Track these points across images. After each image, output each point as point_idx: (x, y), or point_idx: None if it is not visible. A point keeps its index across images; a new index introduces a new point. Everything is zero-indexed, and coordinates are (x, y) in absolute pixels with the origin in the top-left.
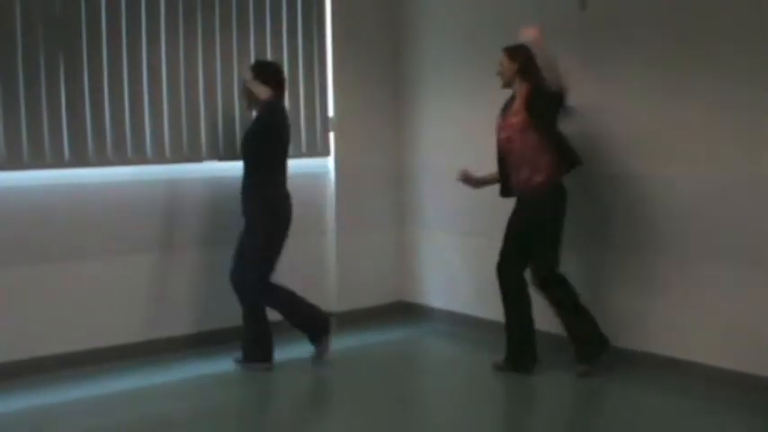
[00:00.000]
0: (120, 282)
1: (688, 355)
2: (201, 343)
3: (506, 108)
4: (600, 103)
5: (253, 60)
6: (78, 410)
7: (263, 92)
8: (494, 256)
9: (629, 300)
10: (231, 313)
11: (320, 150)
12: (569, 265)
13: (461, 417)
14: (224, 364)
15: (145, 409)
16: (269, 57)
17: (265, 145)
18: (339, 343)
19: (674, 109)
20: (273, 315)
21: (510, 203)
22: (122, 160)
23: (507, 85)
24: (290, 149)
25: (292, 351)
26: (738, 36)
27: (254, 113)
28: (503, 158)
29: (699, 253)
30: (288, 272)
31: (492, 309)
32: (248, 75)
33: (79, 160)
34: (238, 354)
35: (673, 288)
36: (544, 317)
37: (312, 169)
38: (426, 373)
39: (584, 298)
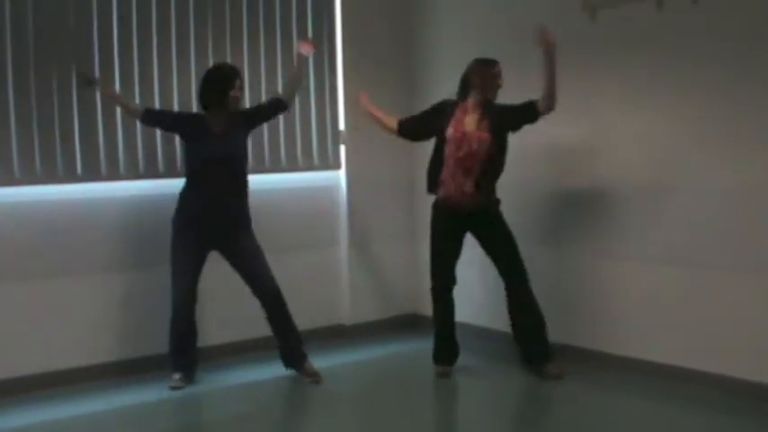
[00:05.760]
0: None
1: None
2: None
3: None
4: (593, 113)
5: (264, 71)
6: None
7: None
8: None
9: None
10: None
11: (331, 163)
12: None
13: (471, 429)
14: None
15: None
16: (279, 71)
17: None
18: (351, 355)
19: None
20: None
21: (522, 214)
22: (136, 175)
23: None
24: (302, 162)
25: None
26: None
27: (231, 115)
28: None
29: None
30: (300, 285)
31: (504, 320)
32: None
33: (91, 175)
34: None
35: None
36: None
37: (323, 182)
38: (438, 386)
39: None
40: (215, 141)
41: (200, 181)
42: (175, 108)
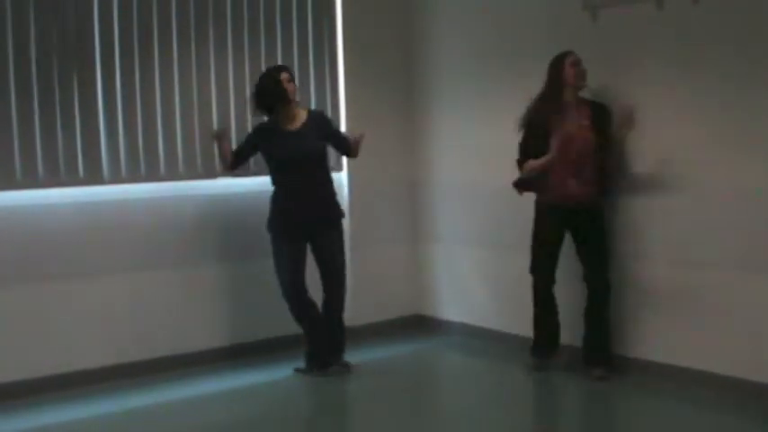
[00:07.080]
0: (143, 298)
1: (692, 362)
2: (229, 357)
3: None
4: None
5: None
6: (112, 425)
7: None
8: (508, 268)
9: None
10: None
11: (333, 165)
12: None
13: (477, 430)
14: (232, 381)
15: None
16: None
17: None
18: (355, 356)
19: (682, 120)
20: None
21: (524, 216)
22: (135, 178)
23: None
24: None
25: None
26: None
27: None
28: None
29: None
30: None
31: (507, 321)
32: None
33: (93, 178)
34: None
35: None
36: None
37: None
38: (442, 386)
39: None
40: (288, 141)
41: (283, 181)
42: (176, 104)
